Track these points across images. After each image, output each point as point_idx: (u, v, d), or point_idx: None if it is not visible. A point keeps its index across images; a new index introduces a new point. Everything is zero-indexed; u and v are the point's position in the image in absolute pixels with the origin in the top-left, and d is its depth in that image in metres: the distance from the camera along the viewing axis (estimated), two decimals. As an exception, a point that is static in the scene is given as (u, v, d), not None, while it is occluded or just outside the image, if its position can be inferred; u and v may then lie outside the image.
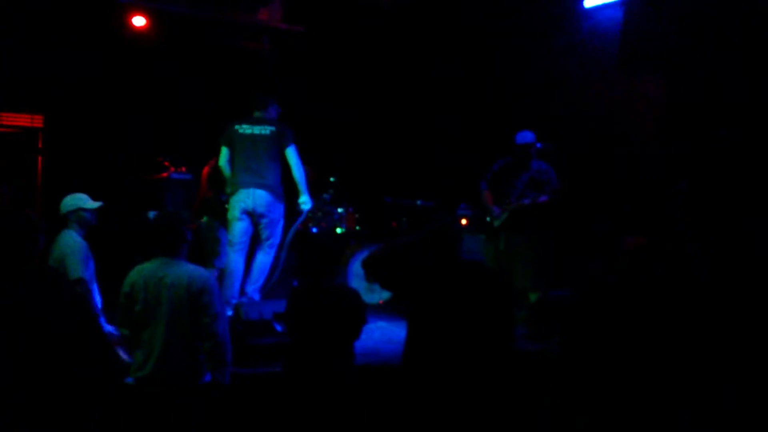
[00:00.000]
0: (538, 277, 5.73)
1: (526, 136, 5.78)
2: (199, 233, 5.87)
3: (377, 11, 7.93)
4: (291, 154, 5.46)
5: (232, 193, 5.43)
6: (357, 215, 7.76)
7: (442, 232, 3.46)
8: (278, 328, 4.62)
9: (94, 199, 4.53)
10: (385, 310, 6.68)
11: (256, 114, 5.59)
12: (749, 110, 5.07)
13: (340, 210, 7.57)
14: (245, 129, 5.49)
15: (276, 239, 5.52)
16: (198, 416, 3.54)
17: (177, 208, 6.31)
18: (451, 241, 3.47)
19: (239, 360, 4.45)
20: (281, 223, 5.57)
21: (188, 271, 3.59)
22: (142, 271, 3.59)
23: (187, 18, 7.27)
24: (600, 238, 5.76)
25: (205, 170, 6.09)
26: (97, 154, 7.25)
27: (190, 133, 7.28)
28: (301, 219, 5.78)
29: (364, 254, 6.63)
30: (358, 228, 7.72)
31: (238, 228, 5.42)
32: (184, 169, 6.63)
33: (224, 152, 5.55)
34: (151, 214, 6.32)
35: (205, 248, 5.90)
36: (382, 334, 5.82)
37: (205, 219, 5.95)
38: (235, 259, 5.42)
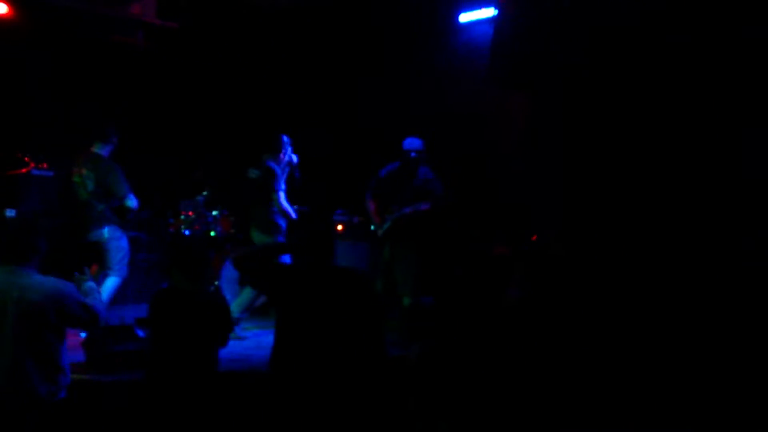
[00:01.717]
0: (416, 284, 5.83)
1: (413, 143, 5.87)
2: (101, 241, 5.57)
3: (256, 12, 7.85)
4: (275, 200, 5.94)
5: None
6: (232, 218, 7.62)
7: (315, 237, 3.48)
8: (140, 333, 4.46)
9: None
10: (257, 316, 6.60)
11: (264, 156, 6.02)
12: (609, 131, 5.39)
13: (214, 213, 7.40)
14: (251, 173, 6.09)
15: None
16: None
17: (35, 205, 5.96)
18: (323, 245, 3.48)
19: (99, 367, 4.27)
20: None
21: (39, 282, 3.32)
22: None
23: (55, 8, 6.88)
24: (475, 247, 5.95)
25: None
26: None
27: (55, 128, 6.91)
28: None
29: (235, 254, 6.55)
30: (233, 231, 7.58)
31: None
32: (45, 165, 6.27)
33: None
34: (9, 212, 5.94)
35: (109, 256, 5.57)
36: (252, 340, 5.76)
37: (105, 230, 5.56)
38: None
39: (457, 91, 7.00)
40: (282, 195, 5.99)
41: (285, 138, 6.09)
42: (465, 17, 6.81)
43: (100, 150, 5.67)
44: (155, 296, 3.73)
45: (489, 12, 6.46)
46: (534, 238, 5.21)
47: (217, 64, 7.96)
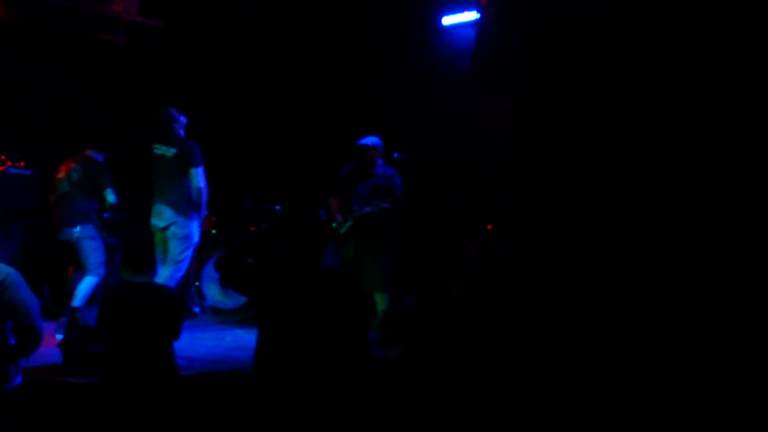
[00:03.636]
0: (385, 280, 5.87)
1: (367, 140, 5.95)
2: (71, 241, 5.53)
3: (240, 11, 7.82)
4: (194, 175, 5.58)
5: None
6: (214, 218, 7.58)
7: (307, 240, 3.43)
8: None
9: None
10: (238, 317, 6.58)
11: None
12: (590, 133, 5.43)
13: (195, 213, 7.37)
14: (158, 149, 5.68)
15: (178, 256, 5.59)
16: (9, 422, 3.31)
17: (11, 204, 5.92)
18: (314, 247, 3.44)
19: (75, 369, 4.24)
20: (188, 240, 5.63)
21: None
22: None
23: (35, 4, 6.83)
24: (452, 246, 5.97)
25: None
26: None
27: (33, 126, 6.85)
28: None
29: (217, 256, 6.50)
30: (214, 231, 7.56)
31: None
32: (23, 163, 6.22)
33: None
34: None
35: (83, 257, 5.53)
36: (234, 341, 5.74)
37: (77, 229, 5.51)
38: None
39: (440, 92, 7.02)
40: (202, 171, 5.64)
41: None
42: (448, 20, 6.83)
43: (94, 155, 5.74)
44: (104, 294, 3.74)
45: (472, 15, 6.49)
46: (489, 227, 5.23)
47: (199, 61, 7.93)
